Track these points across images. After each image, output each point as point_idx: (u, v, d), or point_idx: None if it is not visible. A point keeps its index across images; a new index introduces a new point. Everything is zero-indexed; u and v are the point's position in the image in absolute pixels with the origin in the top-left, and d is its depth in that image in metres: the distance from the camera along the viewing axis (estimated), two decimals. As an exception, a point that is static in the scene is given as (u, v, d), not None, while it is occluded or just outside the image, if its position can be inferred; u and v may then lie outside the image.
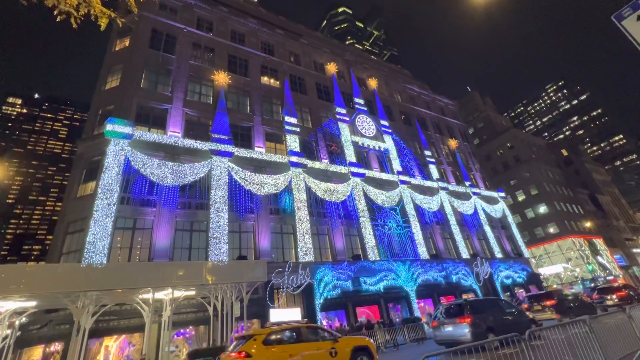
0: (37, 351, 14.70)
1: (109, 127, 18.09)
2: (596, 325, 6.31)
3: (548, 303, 15.14)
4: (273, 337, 8.57)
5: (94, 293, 12.00)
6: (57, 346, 14.45)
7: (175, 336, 16.48)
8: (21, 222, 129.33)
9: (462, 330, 10.47)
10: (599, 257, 47.95)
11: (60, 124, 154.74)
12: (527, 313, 13.74)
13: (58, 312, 14.42)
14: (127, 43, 23.06)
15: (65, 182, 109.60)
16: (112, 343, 15.46)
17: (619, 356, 6.25)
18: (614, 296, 19.05)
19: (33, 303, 12.16)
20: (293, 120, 26.59)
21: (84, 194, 17.81)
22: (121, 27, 23.56)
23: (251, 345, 8.17)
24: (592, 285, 39.19)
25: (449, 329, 11.02)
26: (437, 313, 12.19)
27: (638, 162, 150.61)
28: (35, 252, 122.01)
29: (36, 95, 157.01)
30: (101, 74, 22.09)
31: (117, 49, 23.20)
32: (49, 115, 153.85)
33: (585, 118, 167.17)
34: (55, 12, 4.42)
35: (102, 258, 15.30)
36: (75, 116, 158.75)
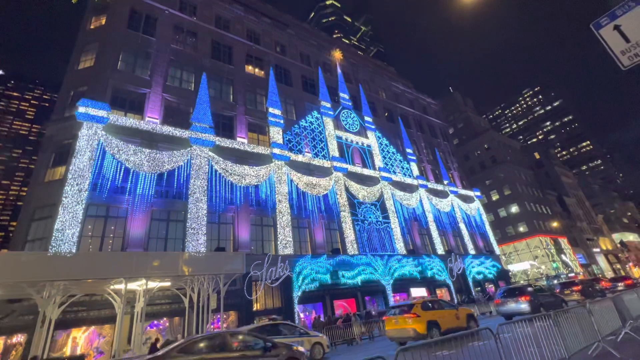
0: (-2, 343, 13.93)
1: (81, 109, 17.14)
2: (559, 319, 6.68)
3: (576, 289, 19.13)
4: (425, 305, 12.55)
5: (62, 283, 11.47)
6: (19, 338, 13.74)
7: (149, 327, 16.09)
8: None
9: (523, 305, 14.39)
10: (562, 256, 50.91)
11: (27, 104, 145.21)
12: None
13: (22, 302, 13.67)
14: (103, 21, 21.81)
15: (32, 166, 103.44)
16: (80, 334, 14.88)
17: (578, 348, 6.66)
18: (573, 289, 21.00)
19: (-7, 292, 11.48)
20: (277, 111, 26.24)
21: (53, 179, 16.86)
22: (97, 2, 22.25)
23: (417, 309, 12.11)
24: (556, 281, 41.57)
25: (512, 305, 14.85)
26: (499, 295, 16.12)
27: (602, 167, 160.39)
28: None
29: (1, 72, 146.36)
30: (74, 52, 20.81)
31: (92, 27, 21.90)
32: (15, 94, 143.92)
33: (557, 123, 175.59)
34: (22, -20, 4.07)
35: (71, 247, 14.61)
36: (44, 96, 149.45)
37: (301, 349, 8.92)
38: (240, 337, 8.08)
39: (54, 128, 17.97)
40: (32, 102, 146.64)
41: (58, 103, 19.33)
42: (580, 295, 19.86)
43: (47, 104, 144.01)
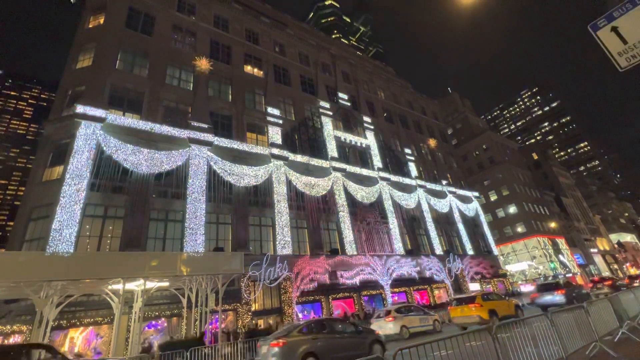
0: (-6, 343, 13.86)
1: (79, 108, 17.08)
2: (556, 319, 6.70)
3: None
4: (484, 296, 15.14)
5: (59, 283, 11.43)
6: (16, 338, 13.68)
7: (147, 328, 16.04)
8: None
9: (559, 297, 16.71)
10: (560, 256, 51.12)
11: (25, 103, 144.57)
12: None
13: (19, 303, 13.62)
14: (101, 20, 21.74)
15: (30, 165, 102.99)
16: (77, 335, 14.83)
17: (576, 348, 6.69)
18: (604, 283, 24.47)
19: (-10, 293, 11.42)
20: (276, 111, 26.22)
21: (50, 179, 16.78)
22: (95, 1, 22.17)
23: (479, 300, 14.70)
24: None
25: (549, 297, 17.20)
26: (536, 289, 18.97)
27: (600, 168, 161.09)
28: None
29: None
30: (72, 52, 20.72)
31: (90, 26, 21.81)
32: (12, 93, 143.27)
33: (555, 124, 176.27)
34: (20, -21, 4.05)
35: (69, 247, 14.55)
36: (42, 95, 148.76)
37: (390, 331, 14.24)
38: (338, 322, 10.83)
39: (51, 127, 17.88)
40: (29, 101, 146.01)
41: (56, 102, 19.24)
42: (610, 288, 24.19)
43: (44, 103, 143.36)
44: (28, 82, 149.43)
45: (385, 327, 14.61)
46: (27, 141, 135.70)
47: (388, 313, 15.29)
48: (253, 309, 18.56)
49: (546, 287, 18.36)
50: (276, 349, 8.63)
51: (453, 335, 5.58)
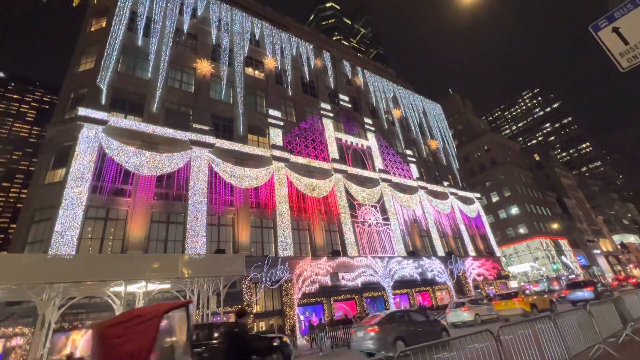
0: (-3, 346, 13.88)
1: (82, 111, 17.17)
2: (560, 321, 6.66)
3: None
4: (524, 292, 18.58)
5: (61, 285, 11.44)
6: (18, 341, 13.70)
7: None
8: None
9: (588, 293, 19.23)
10: (563, 257, 50.86)
11: (27, 106, 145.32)
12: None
13: (21, 305, 13.65)
14: (103, 24, 21.87)
15: (32, 168, 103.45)
16: (79, 337, 14.83)
17: (579, 350, 6.64)
18: (629, 281, 28.43)
19: (-7, 295, 11.44)
20: (277, 113, 26.28)
21: (53, 181, 16.86)
22: (97, 4, 22.32)
23: (521, 295, 17.24)
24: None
25: (579, 293, 19.76)
26: (566, 287, 22.08)
27: (602, 168, 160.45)
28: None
29: (1, 74, 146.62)
30: (74, 55, 20.85)
31: (92, 29, 21.96)
32: (15, 96, 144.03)
33: (556, 125, 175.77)
34: (23, -17, 4.08)
35: (71, 249, 14.59)
36: (44, 98, 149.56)
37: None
38: (414, 314, 12.66)
39: (54, 130, 17.98)
40: (32, 104, 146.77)
41: (58, 105, 19.35)
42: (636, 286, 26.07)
43: (47, 106, 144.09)
44: (31, 85, 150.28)
45: (461, 315, 17.46)
46: (29, 144, 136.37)
47: (463, 304, 18.06)
48: (255, 311, 18.54)
49: (576, 284, 21.18)
50: (373, 334, 10.60)
51: (456, 337, 5.56)
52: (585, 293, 19.39)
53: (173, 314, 4.50)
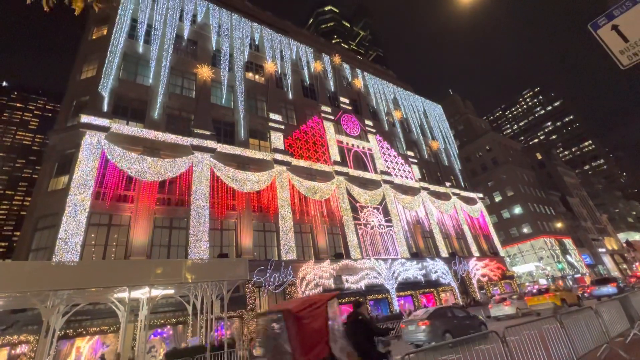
0: (2, 354, 13.89)
1: (84, 118, 17.30)
2: (566, 321, 6.60)
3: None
4: (555, 288, 19.66)
5: (65, 292, 11.45)
6: (23, 348, 13.70)
7: (152, 336, 16.01)
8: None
9: (612, 289, 21.18)
10: (568, 256, 50.47)
11: (30, 114, 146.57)
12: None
13: (25, 312, 13.67)
14: (104, 32, 22.07)
15: (35, 176, 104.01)
16: (84, 344, 14.83)
17: (587, 350, 6.57)
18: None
19: (-3, 303, 11.46)
20: (277, 117, 26.37)
21: (56, 188, 16.94)
22: (98, 13, 22.52)
23: (552, 291, 18.86)
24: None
25: (604, 289, 21.74)
26: (592, 283, 24.02)
27: (605, 166, 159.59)
28: (0, 250, 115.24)
29: (4, 84, 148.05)
30: (76, 63, 21.05)
31: (94, 37, 22.17)
32: (18, 104, 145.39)
33: (558, 124, 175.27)
34: (26, -7, 4.14)
35: (75, 255, 14.63)
36: (47, 106, 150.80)
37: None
38: (456, 309, 14.07)
39: (56, 138, 18.10)
40: (35, 112, 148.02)
41: (61, 113, 19.50)
42: None
43: (50, 114, 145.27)
44: (33, 94, 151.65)
45: (504, 309, 19.62)
46: (32, 152, 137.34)
47: (505, 299, 20.18)
48: (258, 315, 18.48)
49: (601, 281, 23.57)
50: (424, 327, 11.96)
51: (462, 338, 5.52)
52: (610, 289, 21.35)
53: (330, 302, 6.17)
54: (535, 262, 48.46)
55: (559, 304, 17.72)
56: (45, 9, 4.28)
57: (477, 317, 14.10)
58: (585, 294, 24.06)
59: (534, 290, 21.11)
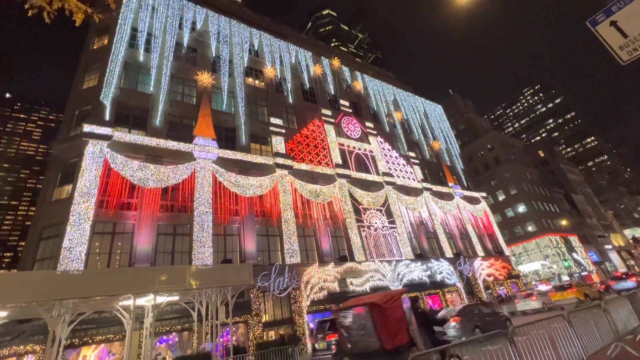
0: (8, 364, 13.91)
1: (86, 128, 17.43)
2: (574, 320, 6.53)
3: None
4: (577, 284, 20.59)
5: (71, 301, 11.48)
6: (30, 358, 13.72)
7: (158, 343, 15.99)
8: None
9: (632, 283, 23.05)
10: (574, 254, 50.03)
11: (34, 125, 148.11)
12: None
13: (32, 322, 13.70)
14: (105, 41, 22.31)
15: (39, 186, 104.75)
16: (90, 353, 14.83)
17: (596, 349, 6.49)
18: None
19: (4, 314, 11.50)
20: (278, 121, 26.45)
21: (60, 198, 17.04)
22: (99, 24, 22.74)
23: (575, 287, 20.52)
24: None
25: (624, 283, 23.63)
26: (612, 279, 26.43)
27: (609, 162, 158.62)
28: (6, 260, 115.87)
29: (7, 95, 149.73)
30: (78, 73, 21.26)
31: (95, 47, 22.40)
32: (21, 115, 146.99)
33: (559, 121, 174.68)
34: (27, 6, 4.20)
35: (80, 264, 14.67)
36: (50, 117, 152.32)
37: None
38: (484, 306, 14.96)
39: (60, 147, 18.24)
40: (38, 122, 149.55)
41: (63, 123, 19.67)
42: None
43: (52, 124, 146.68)
44: (36, 105, 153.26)
45: (530, 304, 20.56)
46: (36, 162, 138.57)
47: (531, 294, 21.29)
48: (264, 320, 18.42)
49: (621, 276, 25.81)
50: (454, 323, 12.66)
51: (469, 339, 5.47)
52: (629, 283, 23.00)
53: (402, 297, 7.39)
54: (541, 260, 48.07)
55: (583, 298, 19.01)
56: (46, 21, 4.34)
57: (502, 313, 15.02)
58: (602, 291, 25.11)
59: (542, 289, 23.13)
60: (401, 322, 6.83)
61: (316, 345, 13.13)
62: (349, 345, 7.11)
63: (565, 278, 44.04)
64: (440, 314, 14.04)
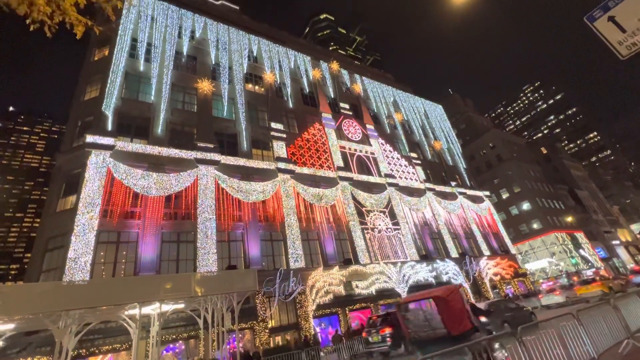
0: (16, 376, 13.90)
1: (89, 138, 17.57)
2: (583, 318, 6.45)
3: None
4: (602, 278, 23.11)
5: (77, 312, 11.48)
6: (37, 370, 13.71)
7: (165, 352, 15.95)
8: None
9: None
10: (581, 251, 49.53)
11: (37, 137, 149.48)
12: None
13: (38, 334, 13.72)
14: (106, 52, 22.54)
15: (44, 197, 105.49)
16: (97, 363, 14.79)
17: (607, 346, 6.40)
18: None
19: (11, 326, 11.53)
20: (279, 126, 26.54)
21: (64, 209, 17.14)
22: (99, 35, 23.03)
23: (599, 281, 22.13)
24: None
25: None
26: (631, 272, 26.82)
27: (612, 157, 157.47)
28: (12, 272, 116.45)
29: (11, 108, 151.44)
30: (79, 84, 21.48)
31: (96, 58, 22.64)
32: (25, 128, 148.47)
33: (561, 117, 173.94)
34: (28, 21, 4.25)
35: (85, 274, 14.72)
36: (53, 128, 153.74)
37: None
38: (507, 302, 15.74)
39: (63, 158, 18.38)
40: (41, 135, 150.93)
41: (66, 134, 19.83)
42: None
43: (56, 136, 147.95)
44: (40, 117, 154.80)
45: (554, 298, 22.00)
46: (40, 174, 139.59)
47: (554, 290, 23.06)
48: (270, 325, 18.35)
49: (638, 270, 28.37)
50: (483, 319, 12.67)
51: (476, 340, 5.41)
52: None
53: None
54: (547, 258, 47.62)
55: (607, 291, 19.99)
56: (47, 35, 4.39)
57: (527, 308, 15.84)
58: (624, 283, 25.77)
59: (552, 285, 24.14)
60: (462, 312, 7.90)
61: (369, 339, 14.61)
62: (414, 334, 8.19)
63: (589, 272, 44.95)
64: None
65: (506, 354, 5.84)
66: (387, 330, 14.12)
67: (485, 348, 5.24)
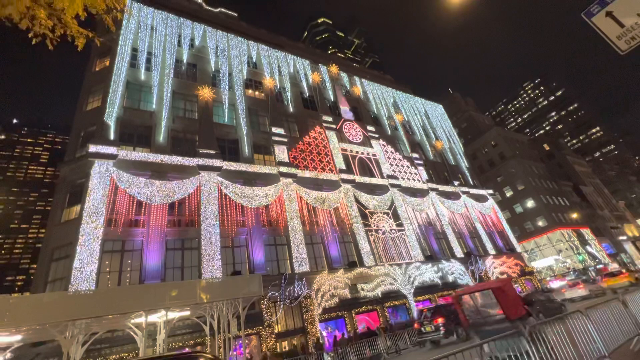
0: (25, 388, 13.92)
1: (92, 148, 17.70)
2: (592, 315, 6.37)
3: None
4: (627, 269, 25.03)
5: (83, 321, 11.51)
6: (45, 381, 13.72)
7: None
8: (3, 252, 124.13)
9: None
10: (588, 247, 49.05)
11: (41, 148, 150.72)
12: None
13: (46, 344, 13.75)
14: (107, 63, 22.77)
15: (49, 208, 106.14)
16: (104, 372, 14.77)
17: (618, 343, 6.32)
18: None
19: (18, 337, 11.57)
20: (280, 131, 26.61)
21: (69, 219, 17.24)
22: (100, 46, 23.28)
23: (626, 272, 22.54)
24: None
25: None
26: None
27: (616, 152, 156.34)
28: (19, 283, 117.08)
29: (15, 121, 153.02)
30: (82, 95, 21.69)
31: (97, 69, 22.88)
32: (28, 140, 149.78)
33: (562, 113, 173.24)
34: (30, 35, 4.31)
35: (91, 284, 14.76)
36: (56, 139, 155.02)
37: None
38: (539, 293, 16.88)
39: (67, 169, 18.52)
40: (45, 146, 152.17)
41: (70, 144, 19.99)
42: None
43: (59, 147, 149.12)
44: (43, 128, 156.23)
45: (577, 292, 22.29)
46: (44, 184, 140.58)
47: (577, 283, 23.43)
48: (276, 330, 18.27)
49: None
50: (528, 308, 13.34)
51: (484, 341, 5.36)
52: None
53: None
54: (554, 255, 47.17)
55: (635, 281, 21.25)
56: (49, 47, 4.45)
57: (557, 300, 17.05)
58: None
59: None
60: (517, 299, 9.25)
61: (422, 329, 16.02)
62: (473, 320, 9.69)
63: (615, 266, 46.12)
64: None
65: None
66: (440, 321, 15.49)
67: (540, 330, 5.76)
